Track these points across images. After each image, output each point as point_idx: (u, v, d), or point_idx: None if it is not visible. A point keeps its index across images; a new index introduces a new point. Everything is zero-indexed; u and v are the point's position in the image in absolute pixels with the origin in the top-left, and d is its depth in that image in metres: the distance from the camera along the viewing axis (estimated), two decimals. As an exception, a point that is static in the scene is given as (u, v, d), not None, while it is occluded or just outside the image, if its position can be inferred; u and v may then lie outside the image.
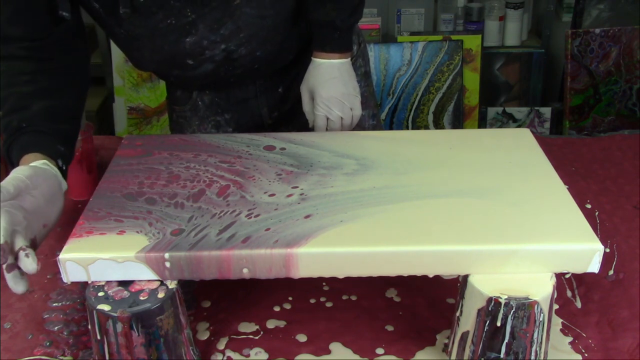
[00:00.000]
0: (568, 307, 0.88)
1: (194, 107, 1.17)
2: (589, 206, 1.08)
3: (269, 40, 1.04)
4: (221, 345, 0.83)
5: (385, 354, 0.81)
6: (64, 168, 0.85)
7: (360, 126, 1.16)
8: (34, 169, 0.79)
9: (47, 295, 0.90)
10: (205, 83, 1.12)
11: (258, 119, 1.19)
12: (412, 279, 0.74)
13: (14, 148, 0.84)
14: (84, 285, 0.74)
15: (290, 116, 1.19)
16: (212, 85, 1.14)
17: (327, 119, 1.04)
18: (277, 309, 0.88)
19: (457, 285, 0.76)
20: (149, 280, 0.72)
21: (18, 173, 0.76)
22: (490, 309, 0.69)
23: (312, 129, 1.08)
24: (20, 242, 0.71)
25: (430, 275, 0.73)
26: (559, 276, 0.92)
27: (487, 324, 0.70)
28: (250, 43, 1.02)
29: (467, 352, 0.73)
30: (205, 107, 1.17)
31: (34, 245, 0.73)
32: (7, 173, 0.80)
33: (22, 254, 0.70)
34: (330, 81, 1.03)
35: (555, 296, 0.72)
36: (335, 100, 1.03)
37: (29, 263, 0.69)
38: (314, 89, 1.04)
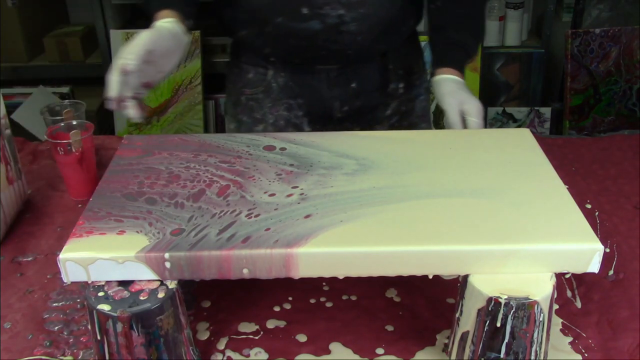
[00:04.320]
0: (568, 307, 0.88)
1: (267, 89, 1.20)
2: (589, 206, 1.08)
3: (381, 27, 1.08)
4: (221, 345, 0.83)
5: (385, 354, 0.81)
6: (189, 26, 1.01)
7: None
8: (158, 31, 0.95)
9: (47, 295, 0.90)
10: (290, 48, 1.13)
11: (328, 110, 1.22)
12: (412, 279, 0.74)
13: (153, 1, 1.00)
14: (84, 285, 0.74)
15: (359, 114, 1.23)
16: (294, 54, 1.15)
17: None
18: (277, 309, 0.88)
19: (457, 285, 0.76)
20: (149, 280, 0.72)
21: (142, 38, 0.92)
22: (490, 309, 0.69)
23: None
24: (127, 93, 0.91)
25: (430, 276, 0.73)
26: (559, 276, 0.92)
27: (487, 324, 0.70)
28: (364, 22, 1.06)
29: (467, 352, 0.73)
30: (280, 89, 1.20)
31: (148, 86, 0.94)
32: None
33: (126, 103, 0.91)
34: (470, 94, 1.08)
35: (555, 296, 0.72)
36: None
37: (130, 113, 0.92)
38: (464, 101, 1.05)
